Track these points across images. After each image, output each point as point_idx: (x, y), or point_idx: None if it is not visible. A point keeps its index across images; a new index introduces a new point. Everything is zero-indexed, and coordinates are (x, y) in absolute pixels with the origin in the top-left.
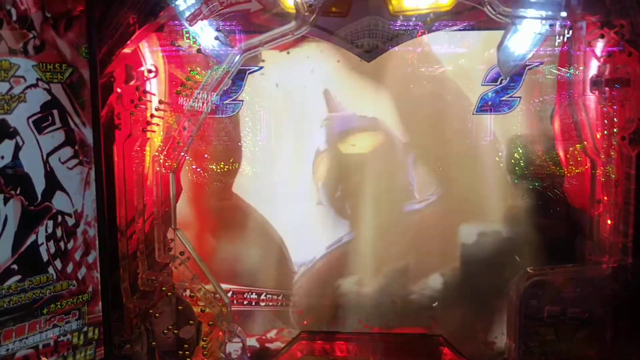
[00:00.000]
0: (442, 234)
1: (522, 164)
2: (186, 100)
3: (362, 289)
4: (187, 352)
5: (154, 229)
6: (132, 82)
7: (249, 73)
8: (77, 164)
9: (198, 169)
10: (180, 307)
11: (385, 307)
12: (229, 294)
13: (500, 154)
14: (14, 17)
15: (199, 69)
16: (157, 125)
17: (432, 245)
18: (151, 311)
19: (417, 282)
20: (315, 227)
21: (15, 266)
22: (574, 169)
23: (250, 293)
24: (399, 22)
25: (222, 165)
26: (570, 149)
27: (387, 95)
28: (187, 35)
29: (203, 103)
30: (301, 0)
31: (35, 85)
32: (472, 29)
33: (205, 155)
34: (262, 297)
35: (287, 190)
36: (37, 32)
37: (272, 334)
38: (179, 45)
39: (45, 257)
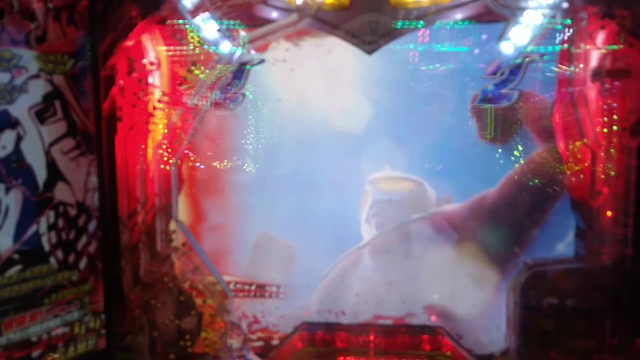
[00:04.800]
0: None
1: None
2: (188, 93)
3: None
4: (188, 343)
5: (155, 221)
6: (134, 75)
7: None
8: (79, 154)
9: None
10: (181, 298)
11: None
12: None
13: None
14: (17, 8)
15: (200, 62)
16: (159, 117)
17: None
18: (153, 302)
19: None
20: None
21: (16, 256)
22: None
23: None
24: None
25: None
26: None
27: None
28: (189, 28)
29: (204, 97)
30: None
31: (37, 76)
32: (473, 22)
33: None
34: None
35: None
36: (39, 22)
37: None
38: (181, 38)
39: (47, 247)
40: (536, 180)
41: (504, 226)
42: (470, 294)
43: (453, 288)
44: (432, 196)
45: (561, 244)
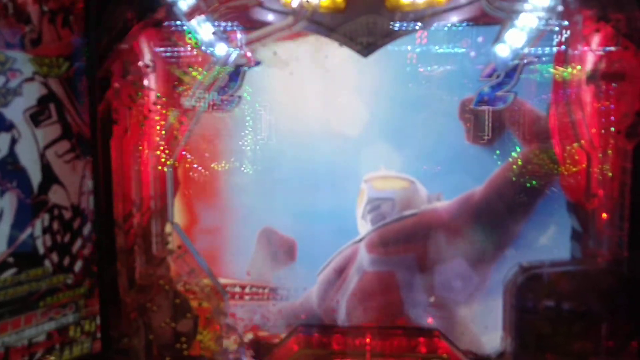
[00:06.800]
0: None
1: None
2: (185, 94)
3: None
4: (184, 346)
5: (151, 223)
6: (129, 77)
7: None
8: (74, 157)
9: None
10: (177, 301)
11: None
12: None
13: None
14: (11, 10)
15: (197, 64)
16: (155, 119)
17: None
18: (148, 305)
19: None
20: None
21: (11, 259)
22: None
23: None
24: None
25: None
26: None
27: None
28: (185, 31)
29: (200, 99)
30: None
31: (31, 79)
32: (469, 24)
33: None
34: None
35: None
36: (34, 25)
37: None
38: (176, 41)
39: (41, 250)
40: (533, 182)
41: (492, 222)
42: (464, 293)
43: (447, 287)
44: (424, 194)
45: (552, 243)
